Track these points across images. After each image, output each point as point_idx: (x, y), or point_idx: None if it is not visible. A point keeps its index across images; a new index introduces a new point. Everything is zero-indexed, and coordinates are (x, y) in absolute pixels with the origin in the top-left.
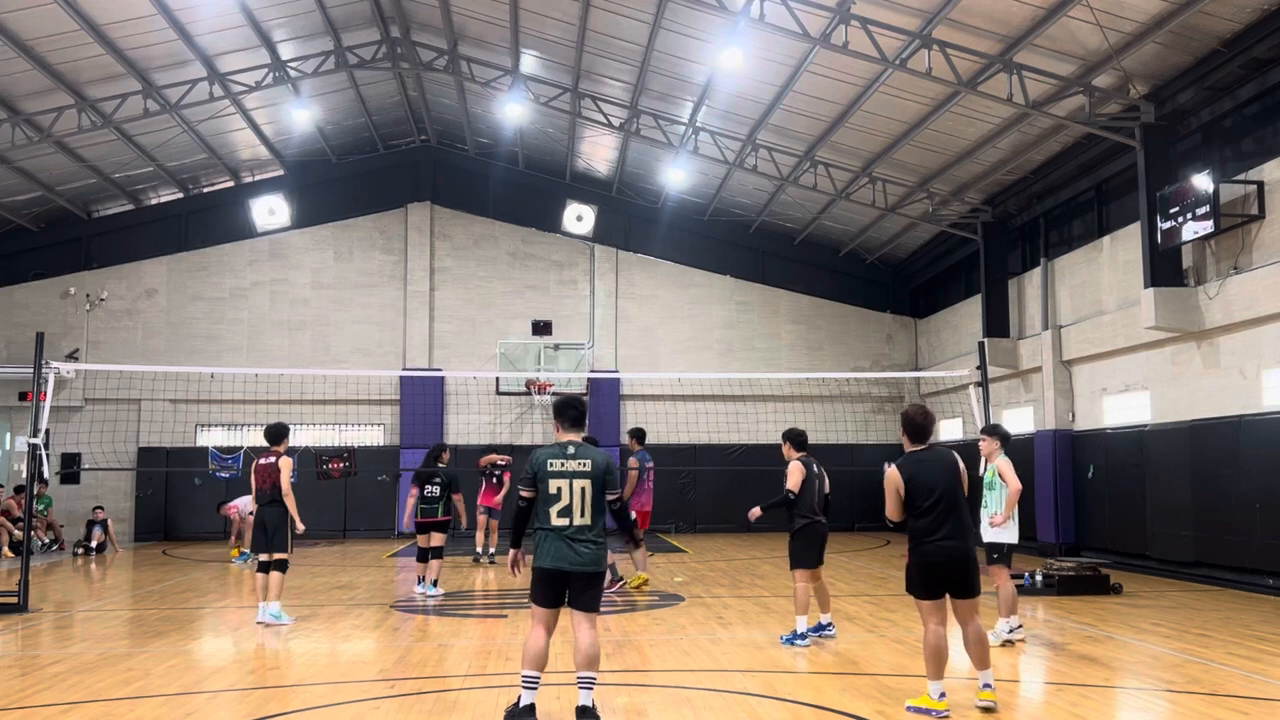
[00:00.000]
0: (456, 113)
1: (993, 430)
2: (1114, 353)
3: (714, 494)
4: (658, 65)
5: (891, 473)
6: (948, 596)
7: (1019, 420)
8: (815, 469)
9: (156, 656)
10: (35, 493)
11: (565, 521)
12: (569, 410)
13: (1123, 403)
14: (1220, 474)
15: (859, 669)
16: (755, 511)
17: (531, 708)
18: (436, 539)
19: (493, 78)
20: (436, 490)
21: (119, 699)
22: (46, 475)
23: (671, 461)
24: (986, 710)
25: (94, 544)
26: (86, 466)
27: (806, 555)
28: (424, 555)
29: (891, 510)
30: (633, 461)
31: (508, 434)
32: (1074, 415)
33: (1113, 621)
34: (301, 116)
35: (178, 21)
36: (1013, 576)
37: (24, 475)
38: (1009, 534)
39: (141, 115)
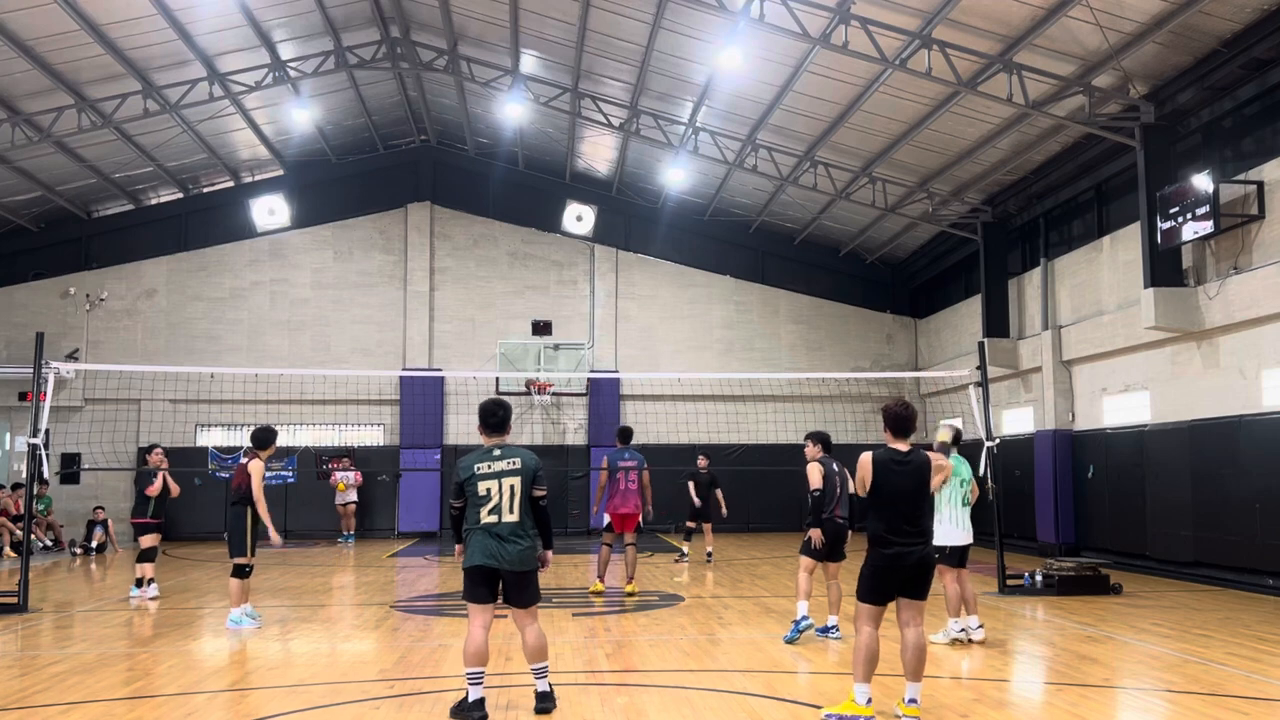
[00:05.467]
0: (456, 113)
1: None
2: (1114, 353)
3: None
4: (658, 65)
5: (868, 455)
6: (896, 600)
7: (1019, 420)
8: (835, 468)
9: (156, 656)
10: (35, 493)
11: (495, 519)
12: (490, 417)
13: (1123, 403)
14: (1220, 474)
15: None
16: (816, 532)
17: (481, 702)
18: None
19: (493, 78)
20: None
21: (119, 699)
22: (46, 475)
23: (671, 461)
24: None
25: (94, 544)
26: (86, 466)
27: (816, 548)
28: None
29: (861, 486)
30: (603, 462)
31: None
32: (1074, 415)
33: (1113, 621)
34: (301, 116)
35: (178, 21)
36: (1012, 577)
37: (24, 475)
38: (959, 535)
39: (141, 115)
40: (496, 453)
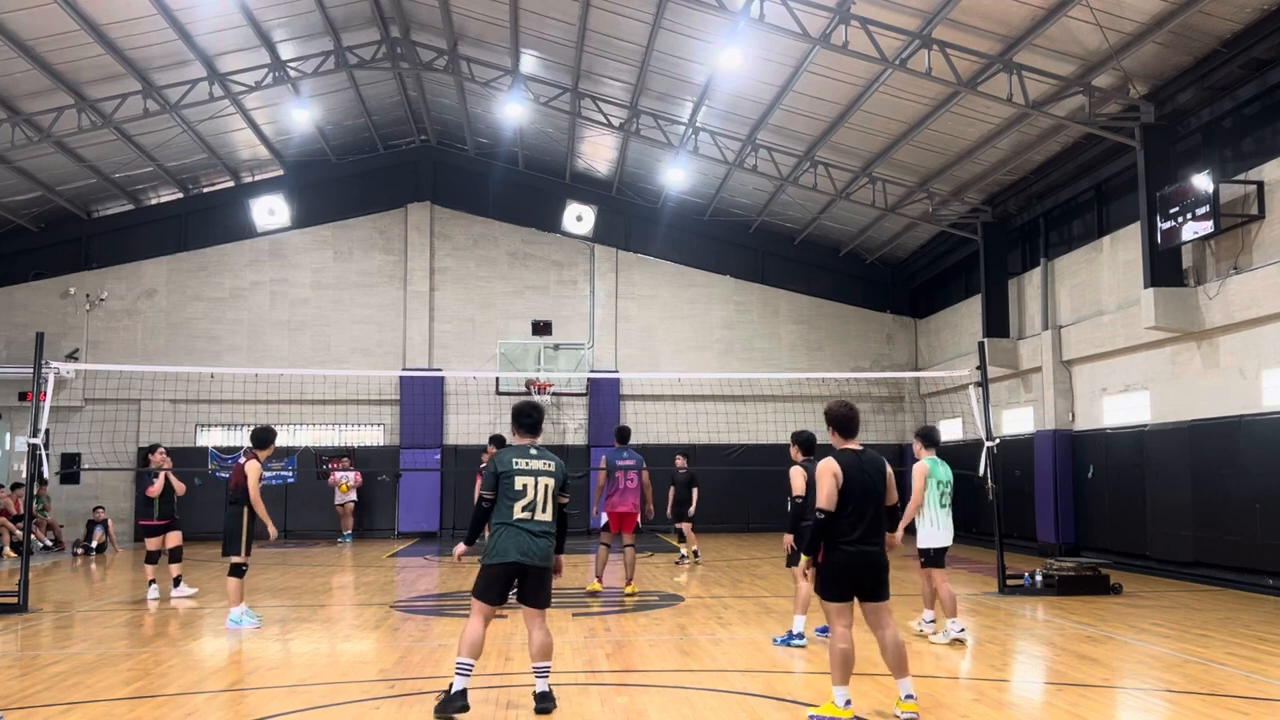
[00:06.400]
0: (456, 113)
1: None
2: (1114, 353)
3: (714, 494)
4: (658, 65)
5: (829, 461)
6: (855, 600)
7: (1019, 420)
8: None
9: (156, 656)
10: (35, 493)
11: (528, 515)
12: (525, 418)
13: (1123, 403)
14: (1220, 474)
15: (858, 669)
16: (788, 538)
17: (464, 693)
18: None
19: (493, 78)
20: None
21: (119, 699)
22: (46, 475)
23: (671, 462)
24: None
25: (94, 544)
26: (86, 466)
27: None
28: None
29: (827, 498)
30: (601, 461)
31: (508, 435)
32: (1074, 415)
33: (1113, 621)
34: (301, 116)
35: (178, 21)
36: (1012, 577)
37: (24, 475)
38: (938, 537)
39: (141, 115)
40: (533, 452)
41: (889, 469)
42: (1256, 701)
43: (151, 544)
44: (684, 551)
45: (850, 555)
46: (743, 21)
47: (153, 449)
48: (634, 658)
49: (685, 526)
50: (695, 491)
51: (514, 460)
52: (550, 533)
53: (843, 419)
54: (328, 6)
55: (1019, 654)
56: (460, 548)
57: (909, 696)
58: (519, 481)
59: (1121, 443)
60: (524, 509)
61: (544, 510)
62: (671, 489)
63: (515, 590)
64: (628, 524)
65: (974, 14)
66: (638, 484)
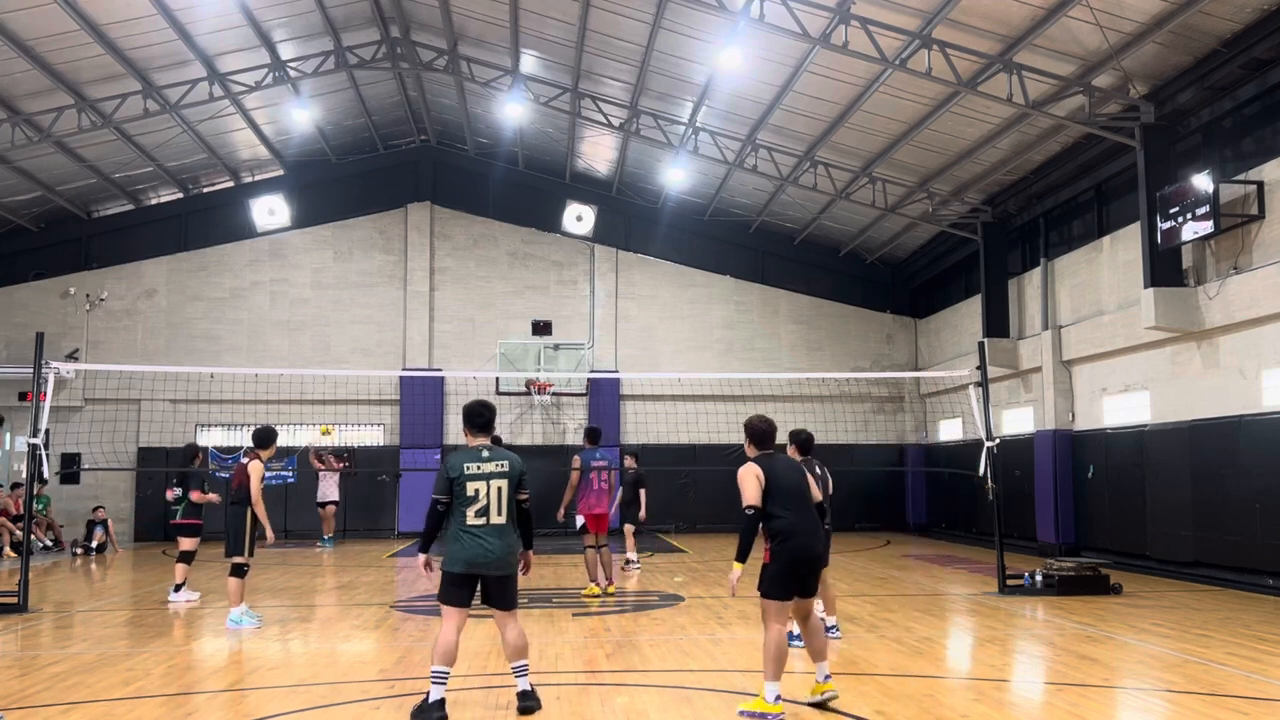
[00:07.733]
0: (456, 113)
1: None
2: (1114, 353)
3: (714, 494)
4: (658, 65)
5: (748, 465)
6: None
7: (1019, 420)
8: (818, 470)
9: (156, 656)
10: (35, 493)
11: (482, 521)
12: (476, 418)
13: (1123, 403)
14: (1220, 474)
15: (859, 669)
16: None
17: (441, 703)
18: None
19: (493, 78)
20: (179, 492)
21: (119, 699)
22: (46, 475)
23: (671, 461)
24: (832, 699)
25: (94, 544)
26: (86, 466)
27: None
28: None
29: (753, 495)
30: (575, 461)
31: (508, 434)
32: (1074, 415)
33: (1113, 621)
34: (301, 116)
35: (178, 21)
36: (1012, 577)
37: (24, 475)
38: None
39: (141, 115)
40: (485, 454)
41: (807, 471)
42: (1256, 701)
43: (190, 544)
44: (630, 556)
45: (796, 550)
46: (743, 21)
47: (195, 453)
48: (634, 658)
49: (628, 530)
50: (643, 494)
51: (465, 465)
52: (506, 536)
53: (762, 433)
54: (328, 6)
55: (1019, 654)
56: (420, 558)
57: (827, 677)
58: (470, 486)
59: (1121, 443)
60: (477, 514)
61: (499, 514)
62: (620, 490)
63: (481, 595)
64: (603, 525)
65: (974, 14)
66: (609, 485)
